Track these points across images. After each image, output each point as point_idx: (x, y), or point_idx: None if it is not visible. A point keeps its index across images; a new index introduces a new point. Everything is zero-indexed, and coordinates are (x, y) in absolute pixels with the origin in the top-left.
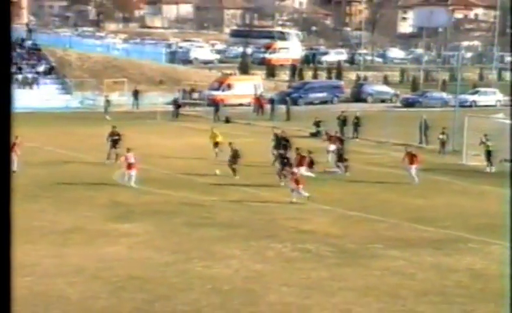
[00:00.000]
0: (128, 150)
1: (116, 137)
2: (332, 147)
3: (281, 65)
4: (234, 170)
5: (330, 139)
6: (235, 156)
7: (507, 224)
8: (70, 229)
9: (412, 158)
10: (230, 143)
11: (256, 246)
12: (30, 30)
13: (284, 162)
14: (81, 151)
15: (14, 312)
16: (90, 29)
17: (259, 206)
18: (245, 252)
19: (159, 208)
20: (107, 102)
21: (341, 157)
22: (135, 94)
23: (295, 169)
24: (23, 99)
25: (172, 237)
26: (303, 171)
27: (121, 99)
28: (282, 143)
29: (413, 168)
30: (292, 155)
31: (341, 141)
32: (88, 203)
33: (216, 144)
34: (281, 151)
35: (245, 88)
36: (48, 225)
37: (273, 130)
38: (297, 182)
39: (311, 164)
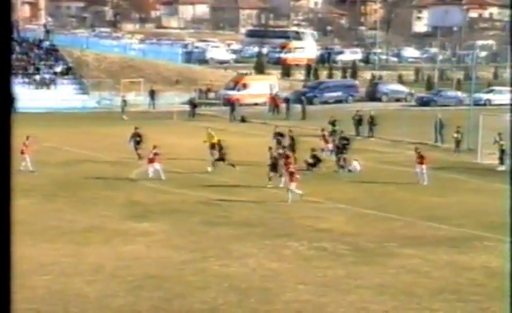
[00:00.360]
0: (154, 147)
1: (138, 139)
2: (330, 146)
3: (297, 65)
4: (219, 162)
5: (325, 139)
6: (222, 153)
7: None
8: (88, 228)
9: (421, 158)
10: (219, 141)
11: (273, 245)
12: (47, 31)
13: (275, 163)
14: (98, 151)
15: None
16: (107, 29)
17: (275, 205)
18: (262, 251)
19: (176, 207)
20: (124, 102)
21: (339, 153)
22: (152, 94)
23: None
24: (41, 99)
25: (189, 235)
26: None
27: (138, 99)
28: (289, 142)
29: (423, 168)
30: (299, 155)
31: (346, 139)
32: (105, 202)
33: (213, 145)
34: (279, 151)
35: (261, 87)
36: (66, 225)
37: (275, 130)
38: (291, 178)
39: (317, 162)
